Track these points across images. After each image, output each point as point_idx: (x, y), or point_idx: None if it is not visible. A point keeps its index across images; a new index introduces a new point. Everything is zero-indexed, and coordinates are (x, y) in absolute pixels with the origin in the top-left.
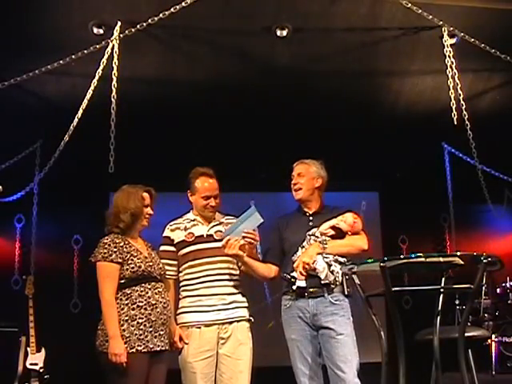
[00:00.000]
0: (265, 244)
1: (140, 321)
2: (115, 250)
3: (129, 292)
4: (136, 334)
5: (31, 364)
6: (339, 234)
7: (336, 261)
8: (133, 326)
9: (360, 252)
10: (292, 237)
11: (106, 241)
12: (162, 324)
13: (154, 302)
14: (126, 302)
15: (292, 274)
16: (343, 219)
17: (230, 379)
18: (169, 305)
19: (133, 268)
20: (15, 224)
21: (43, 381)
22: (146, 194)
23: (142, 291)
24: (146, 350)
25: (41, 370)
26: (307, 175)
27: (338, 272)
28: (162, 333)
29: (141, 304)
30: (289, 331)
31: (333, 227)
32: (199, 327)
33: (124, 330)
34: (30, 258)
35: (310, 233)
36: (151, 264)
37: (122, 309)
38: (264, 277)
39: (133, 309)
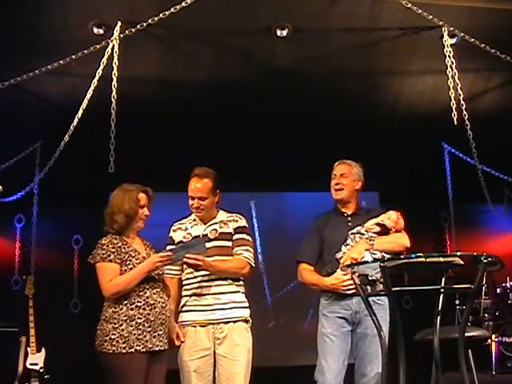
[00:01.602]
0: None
1: (139, 321)
2: (113, 250)
3: (127, 292)
4: (135, 334)
5: (31, 364)
6: (384, 230)
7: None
8: (131, 326)
9: (403, 249)
10: (332, 235)
11: (103, 241)
12: (160, 324)
13: (152, 302)
14: (125, 302)
15: (338, 270)
16: (387, 216)
17: (227, 380)
18: (167, 304)
19: (131, 268)
20: (15, 224)
21: (43, 381)
22: (142, 195)
23: (140, 291)
24: (144, 349)
25: (41, 370)
26: (350, 177)
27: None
28: (160, 333)
29: (139, 304)
30: (326, 325)
31: (378, 224)
32: (194, 326)
33: (123, 330)
34: (30, 258)
35: (355, 231)
36: None
37: (121, 309)
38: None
39: (131, 309)
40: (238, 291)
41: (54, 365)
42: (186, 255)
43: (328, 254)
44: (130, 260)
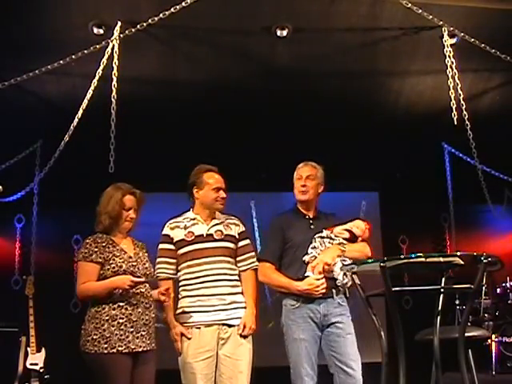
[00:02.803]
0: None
1: (121, 321)
2: (96, 249)
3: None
4: (117, 335)
5: (31, 364)
6: (351, 237)
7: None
8: (113, 326)
9: (366, 258)
10: (296, 237)
11: (88, 240)
12: (143, 324)
13: (135, 302)
14: (108, 301)
15: (306, 274)
16: (356, 225)
17: (230, 379)
18: (152, 305)
19: (114, 268)
20: (15, 224)
21: (43, 381)
22: (128, 197)
23: (123, 291)
24: (127, 350)
25: (41, 370)
26: (315, 179)
27: (348, 276)
28: (143, 333)
29: (122, 304)
30: (297, 331)
31: (347, 230)
32: (199, 327)
33: (104, 330)
34: (30, 258)
35: (324, 235)
36: (135, 264)
37: (104, 308)
38: None
39: (113, 308)
40: (239, 292)
41: (54, 365)
42: None
43: (292, 255)
44: (114, 259)
